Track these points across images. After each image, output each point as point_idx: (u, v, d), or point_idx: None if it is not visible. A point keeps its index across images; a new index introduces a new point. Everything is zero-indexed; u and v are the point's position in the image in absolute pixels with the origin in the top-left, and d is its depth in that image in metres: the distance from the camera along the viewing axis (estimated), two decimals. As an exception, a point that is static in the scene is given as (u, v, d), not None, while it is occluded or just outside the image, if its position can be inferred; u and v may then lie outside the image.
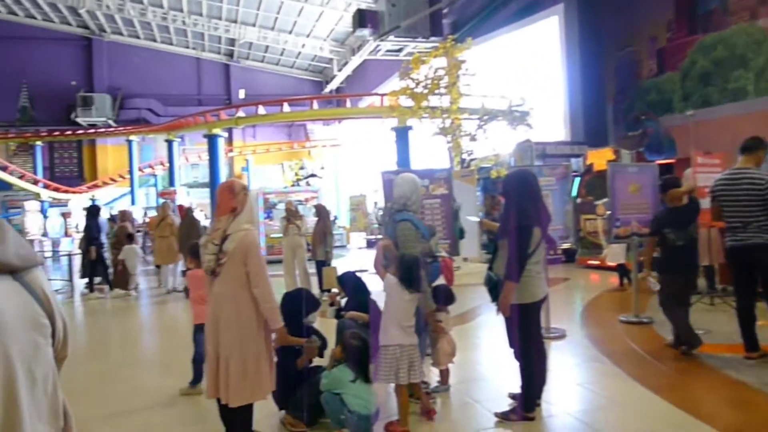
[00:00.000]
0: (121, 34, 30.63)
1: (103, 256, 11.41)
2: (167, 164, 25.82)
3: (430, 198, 9.43)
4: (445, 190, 9.89)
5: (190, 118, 23.35)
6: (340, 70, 27.74)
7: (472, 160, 14.26)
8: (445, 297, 4.58)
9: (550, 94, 16.59)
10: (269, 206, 16.70)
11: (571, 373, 5.06)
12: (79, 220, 22.58)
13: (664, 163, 10.58)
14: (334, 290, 5.88)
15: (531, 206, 3.85)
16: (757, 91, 11.63)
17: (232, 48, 31.18)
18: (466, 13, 20.16)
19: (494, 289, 3.91)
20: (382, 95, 19.56)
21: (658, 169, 7.88)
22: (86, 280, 11.83)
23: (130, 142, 27.44)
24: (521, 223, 3.79)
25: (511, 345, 4.00)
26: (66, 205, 26.80)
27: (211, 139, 21.12)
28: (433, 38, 18.49)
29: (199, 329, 4.47)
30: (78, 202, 26.53)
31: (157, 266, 11.75)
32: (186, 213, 11.16)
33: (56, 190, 28.11)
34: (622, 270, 8.98)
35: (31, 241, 21.66)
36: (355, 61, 25.00)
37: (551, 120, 16.22)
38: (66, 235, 24.08)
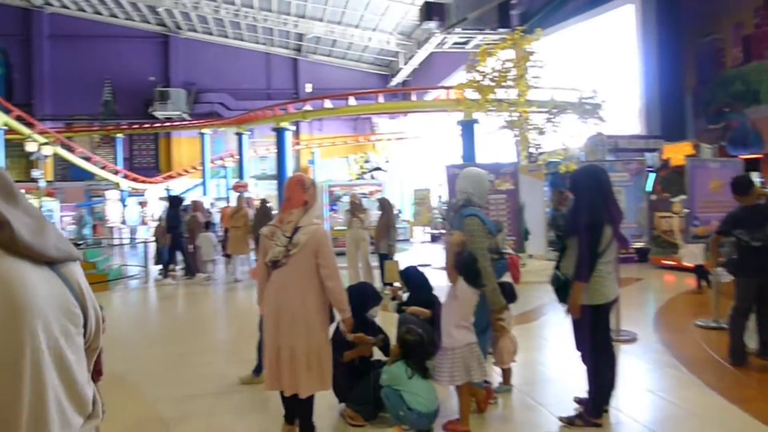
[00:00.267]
0: (195, 31, 31.79)
1: (183, 244, 11.84)
2: (237, 156, 26.58)
3: (495, 193, 9.23)
4: (511, 185, 9.67)
5: (259, 112, 23.96)
6: (406, 63, 27.69)
7: (540, 154, 13.88)
8: (507, 295, 4.47)
9: (624, 85, 15.91)
10: (334, 199, 16.87)
11: (642, 378, 4.83)
12: (155, 208, 23.67)
13: (749, 158, 9.95)
14: (397, 284, 5.85)
15: (601, 203, 3.68)
16: None
17: (300, 43, 31.72)
18: (536, 3, 19.61)
19: (561, 289, 3.76)
20: (448, 88, 19.37)
21: (743, 165, 7.38)
22: (160, 266, 12.38)
23: (202, 135, 28.44)
24: (591, 220, 3.62)
25: (578, 347, 3.84)
26: (143, 195, 28.11)
27: (279, 132, 21.56)
28: (501, 30, 18.09)
29: None
30: (154, 191, 27.78)
31: (227, 256, 12.16)
32: (261, 204, 11.47)
33: (134, 180, 29.55)
34: (700, 271, 8.52)
35: (111, 229, 22.90)
36: (421, 54, 24.87)
37: (625, 113, 15.57)
38: (143, 223, 25.26)
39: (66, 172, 30.33)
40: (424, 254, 12.84)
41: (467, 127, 17.21)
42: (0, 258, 0.93)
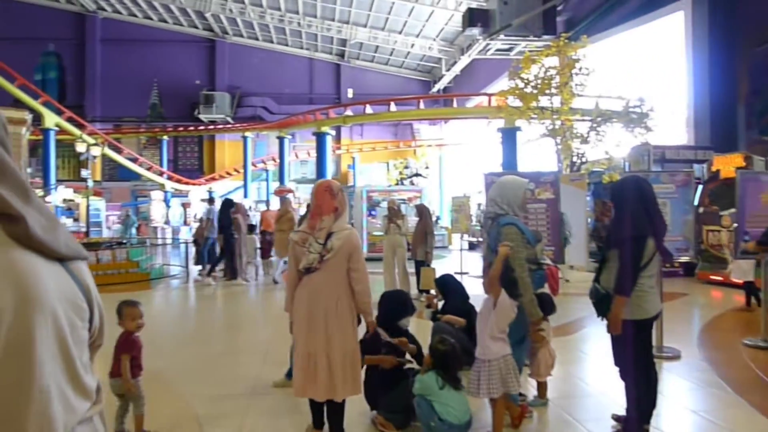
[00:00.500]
0: (241, 35, 32.45)
1: (233, 245, 11.97)
2: (278, 160, 26.95)
3: (535, 202, 9.07)
4: (551, 194, 9.49)
5: (300, 116, 24.25)
6: (448, 69, 27.62)
7: (583, 163, 13.61)
8: (546, 306, 4.37)
9: (672, 94, 15.48)
10: (372, 204, 16.90)
11: (684, 398, 4.65)
12: (197, 209, 24.18)
13: (804, 172, 9.52)
14: (432, 292, 5.80)
15: (644, 215, 3.56)
16: None
17: (343, 48, 32.01)
18: (582, 10, 19.30)
19: (600, 303, 3.64)
20: (490, 95, 19.21)
21: (798, 179, 7.08)
22: (200, 266, 12.62)
23: (245, 138, 28.94)
24: (633, 232, 3.50)
25: (617, 363, 3.72)
26: (186, 196, 28.76)
27: (320, 137, 21.77)
28: (545, 36, 17.86)
29: None
30: (196, 193, 28.40)
31: (264, 258, 12.34)
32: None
33: (178, 181, 30.29)
34: (749, 288, 8.18)
35: (154, 229, 23.47)
36: (463, 61, 24.77)
37: (672, 122, 15.13)
38: (185, 223, 25.82)
39: (114, 172, 31.35)
40: (462, 262, 12.72)
41: (508, 135, 17.02)
42: (15, 251, 0.97)
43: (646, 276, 3.54)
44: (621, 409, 3.76)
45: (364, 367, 3.97)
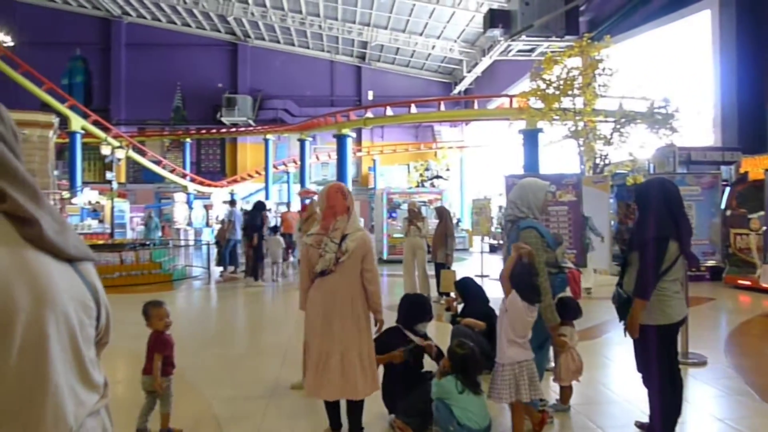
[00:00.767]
0: (263, 39, 32.72)
1: (263, 248, 12.01)
2: (299, 162, 27.10)
3: (557, 205, 8.96)
4: (573, 196, 9.36)
5: (321, 119, 24.35)
6: (469, 71, 27.52)
7: (606, 165, 13.41)
8: (570, 310, 4.30)
9: (698, 95, 15.20)
10: (393, 206, 16.87)
11: (710, 405, 4.53)
12: (219, 211, 24.40)
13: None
14: (452, 295, 5.75)
15: (667, 217, 3.47)
16: None
17: (364, 51, 32.09)
18: (605, 10, 19.07)
19: (623, 307, 3.56)
20: (512, 97, 19.06)
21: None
22: (221, 268, 12.72)
23: (266, 140, 29.16)
24: (655, 234, 3.42)
25: (640, 369, 3.63)
26: (208, 198, 29.06)
27: (340, 139, 21.82)
28: (568, 37, 17.68)
29: None
30: (219, 195, 28.69)
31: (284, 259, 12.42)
32: (304, 210, 11.64)
33: (201, 183, 30.64)
34: (778, 293, 7.99)
35: (178, 230, 23.74)
36: (484, 62, 24.66)
37: (698, 123, 14.85)
38: (207, 225, 26.09)
39: (138, 174, 31.85)
40: (483, 265, 12.62)
41: (530, 137, 16.88)
42: (29, 252, 1.02)
43: (670, 280, 3.45)
44: (644, 417, 3.67)
45: (380, 368, 3.95)
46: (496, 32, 19.12)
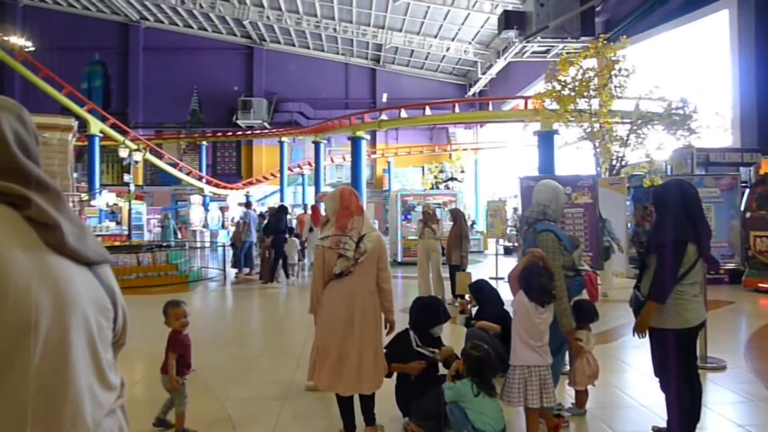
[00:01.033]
0: (278, 42, 32.90)
1: (282, 249, 12.02)
2: (314, 164, 27.19)
3: (572, 207, 8.89)
4: (589, 198, 9.29)
5: (335, 121, 24.40)
6: (484, 73, 27.44)
7: (622, 166, 13.29)
8: (587, 314, 4.26)
9: (716, 95, 14.99)
10: (407, 208, 16.86)
11: (730, 411, 4.46)
12: (234, 213, 24.56)
13: None
14: (467, 297, 5.73)
15: (685, 220, 3.43)
16: None
17: (378, 53, 32.13)
18: (621, 10, 18.91)
19: (640, 310, 3.53)
20: (526, 98, 18.96)
21: None
22: (236, 270, 12.80)
23: (281, 143, 29.29)
24: (673, 236, 3.38)
25: (658, 373, 3.59)
26: (224, 200, 29.26)
27: (355, 141, 21.84)
28: (583, 38, 17.56)
29: None
30: (234, 197, 28.87)
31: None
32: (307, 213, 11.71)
33: (216, 185, 30.85)
34: (800, 297, 7.85)
35: (194, 232, 23.92)
36: (499, 64, 24.58)
37: (717, 124, 14.64)
38: (223, 227, 26.25)
39: (155, 177, 32.17)
40: (498, 267, 12.56)
41: (545, 138, 16.77)
42: (50, 257, 1.05)
43: (688, 284, 3.41)
44: (662, 422, 3.63)
45: (394, 374, 3.95)
46: (511, 34, 19.03)
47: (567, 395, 4.44)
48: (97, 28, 32.82)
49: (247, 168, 33.99)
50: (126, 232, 18.71)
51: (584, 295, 4.43)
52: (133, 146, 20.15)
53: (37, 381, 0.98)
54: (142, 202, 24.25)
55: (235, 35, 33.10)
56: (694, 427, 3.51)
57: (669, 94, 13.48)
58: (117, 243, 16.00)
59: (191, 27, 32.85)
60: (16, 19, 31.13)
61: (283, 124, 32.33)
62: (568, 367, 4.43)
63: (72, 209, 1.15)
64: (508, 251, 19.81)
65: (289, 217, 20.37)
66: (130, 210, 18.48)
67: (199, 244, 18.71)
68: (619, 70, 13.02)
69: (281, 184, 29.39)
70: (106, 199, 22.56)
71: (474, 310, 5.06)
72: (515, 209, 20.87)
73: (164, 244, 15.47)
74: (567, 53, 14.64)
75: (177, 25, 32.91)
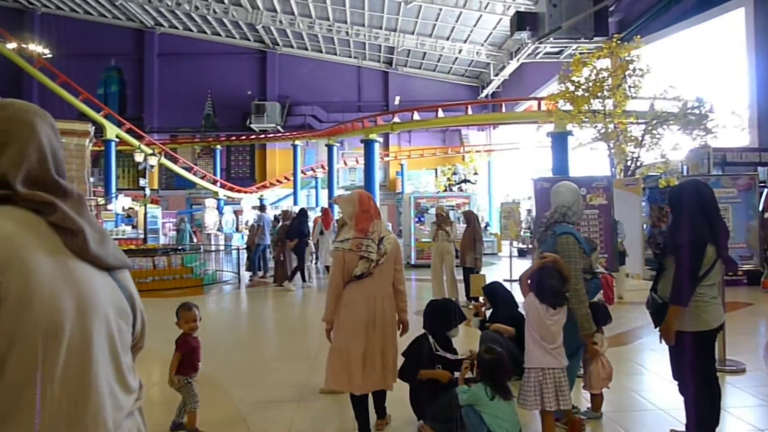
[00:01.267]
0: (291, 46, 33.06)
1: (304, 252, 12.00)
2: (327, 167, 27.24)
3: (587, 208, 8.83)
4: (604, 200, 9.22)
5: (348, 124, 24.44)
6: (496, 74, 27.35)
7: (637, 167, 13.17)
8: (600, 316, 4.23)
9: (733, 94, 14.81)
10: (421, 211, 16.84)
11: (749, 414, 4.40)
12: (249, 217, 24.68)
13: None
14: (481, 300, 5.70)
15: (703, 220, 3.39)
16: None
17: (391, 56, 32.17)
18: (635, 10, 18.75)
19: (658, 313, 3.48)
20: (540, 99, 18.87)
21: None
22: (250, 272, 12.86)
23: (295, 146, 29.39)
24: (691, 238, 3.34)
25: (676, 376, 3.55)
26: (239, 204, 29.41)
27: (368, 144, 21.85)
28: (596, 38, 17.43)
29: None
30: (248, 201, 29.01)
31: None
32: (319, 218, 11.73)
33: (231, 189, 31.04)
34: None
35: (208, 236, 24.07)
36: (512, 65, 24.49)
37: (734, 123, 14.46)
38: (237, 230, 26.38)
39: (170, 181, 32.44)
40: (511, 269, 12.50)
41: (559, 139, 16.67)
42: (73, 262, 1.08)
43: (706, 285, 3.37)
44: (680, 425, 3.59)
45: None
46: (524, 35, 18.95)
47: (582, 398, 4.40)
48: (112, 34, 33.21)
49: (260, 171, 34.16)
50: (142, 236, 18.86)
51: (599, 297, 4.39)
52: (149, 151, 20.32)
53: (60, 384, 1.00)
54: (158, 206, 24.43)
55: (249, 40, 33.31)
56: (713, 430, 3.47)
57: (684, 93, 13.35)
58: (133, 247, 16.13)
59: (205, 32, 33.12)
60: (34, 27, 31.62)
61: (296, 127, 32.46)
62: (582, 371, 4.39)
63: (92, 214, 1.18)
64: (522, 253, 19.71)
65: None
66: (145, 214, 18.64)
67: (213, 248, 18.83)
68: (633, 70, 12.93)
69: (294, 187, 29.48)
70: (122, 203, 22.78)
71: (488, 313, 5.04)
72: (529, 211, 20.76)
73: (179, 248, 15.58)
74: (580, 54, 14.56)
75: (191, 30, 33.20)
